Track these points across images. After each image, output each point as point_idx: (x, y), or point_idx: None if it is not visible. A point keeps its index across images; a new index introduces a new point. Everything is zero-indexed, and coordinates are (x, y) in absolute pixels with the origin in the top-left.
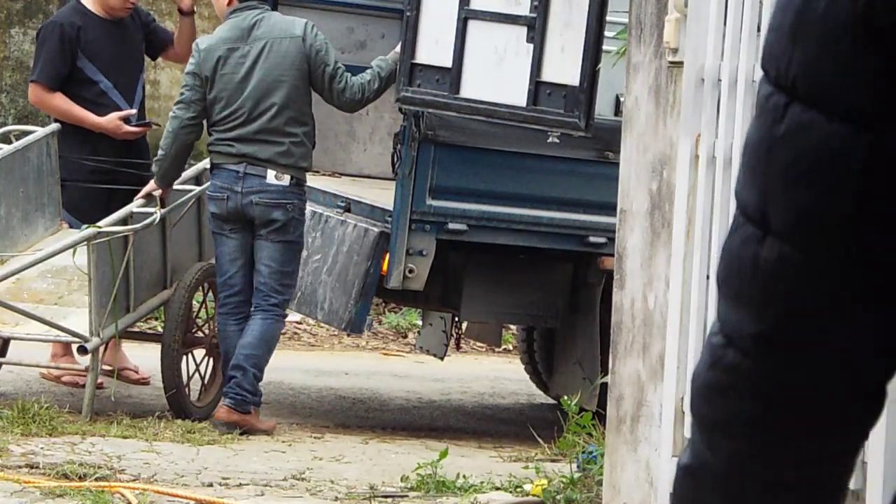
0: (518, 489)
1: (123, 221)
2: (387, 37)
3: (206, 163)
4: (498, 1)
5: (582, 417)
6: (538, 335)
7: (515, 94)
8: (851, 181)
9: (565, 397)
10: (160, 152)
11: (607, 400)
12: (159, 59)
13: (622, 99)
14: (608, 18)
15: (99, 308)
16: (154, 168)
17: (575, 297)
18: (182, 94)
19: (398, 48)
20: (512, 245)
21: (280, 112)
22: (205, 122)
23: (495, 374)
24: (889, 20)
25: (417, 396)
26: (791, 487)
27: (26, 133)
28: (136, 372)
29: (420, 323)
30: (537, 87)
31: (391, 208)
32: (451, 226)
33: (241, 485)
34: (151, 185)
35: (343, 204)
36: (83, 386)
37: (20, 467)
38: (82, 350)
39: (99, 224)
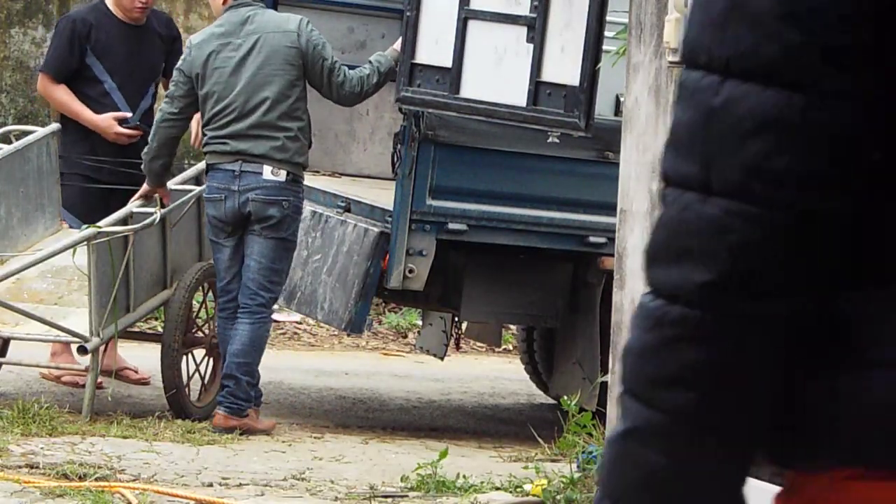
0: (518, 489)
1: (123, 221)
2: (387, 37)
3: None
4: (498, 1)
5: (582, 417)
6: (538, 335)
7: (515, 94)
8: (790, 137)
9: (565, 397)
10: (146, 148)
11: (607, 400)
12: None
13: (622, 99)
14: (608, 18)
15: (99, 308)
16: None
17: (575, 297)
18: (169, 89)
19: (397, 45)
20: (512, 245)
21: (273, 107)
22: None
23: (495, 374)
24: (807, 5)
25: (417, 396)
26: (734, 433)
27: (26, 133)
28: (136, 372)
29: (420, 323)
30: (537, 88)
31: (391, 208)
32: (451, 226)
33: (241, 485)
34: (145, 186)
35: (343, 204)
36: (83, 386)
37: (20, 467)
38: (82, 350)
39: (99, 224)
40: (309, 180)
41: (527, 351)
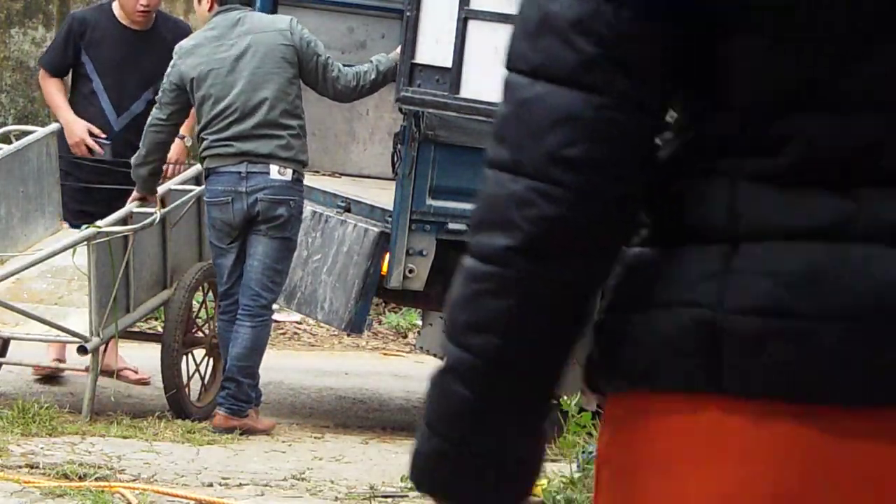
0: None
1: (123, 221)
2: (387, 37)
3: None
4: (498, 1)
5: (582, 417)
6: None
7: None
8: (584, 130)
9: (565, 397)
10: (136, 154)
11: None
12: None
13: None
14: None
15: (99, 308)
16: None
17: None
18: (158, 95)
19: (399, 49)
20: None
21: (275, 105)
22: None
23: None
24: (599, 21)
25: (417, 396)
26: (530, 371)
27: (26, 133)
28: (136, 372)
29: (420, 323)
30: None
31: (391, 208)
32: (451, 226)
33: (241, 485)
34: (135, 193)
35: (343, 204)
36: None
37: (20, 467)
38: (82, 350)
39: (99, 224)
40: (309, 180)
41: None
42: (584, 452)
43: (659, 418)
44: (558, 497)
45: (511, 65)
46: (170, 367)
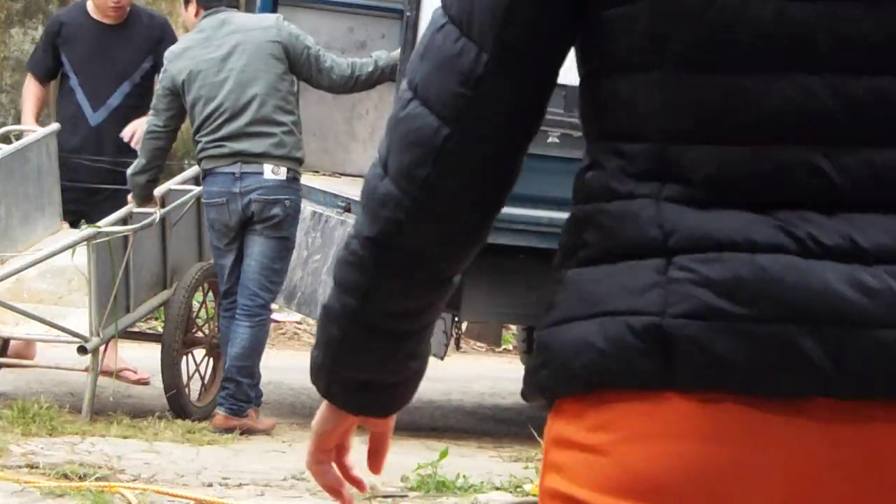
0: (518, 489)
1: (123, 221)
2: (387, 37)
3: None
4: None
5: None
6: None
7: None
8: (431, 155)
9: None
10: (135, 162)
11: None
12: None
13: None
14: None
15: (99, 308)
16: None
17: None
18: (153, 102)
19: (399, 50)
20: (512, 245)
21: (264, 102)
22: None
23: (495, 374)
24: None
25: (417, 396)
26: (381, 326)
27: (26, 133)
28: (136, 372)
29: None
30: None
31: None
32: None
33: (241, 485)
34: (132, 200)
35: (343, 204)
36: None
37: (20, 467)
38: (82, 350)
39: (99, 224)
40: (309, 180)
41: (527, 351)
42: None
43: (615, 415)
44: None
45: (408, 68)
46: (170, 367)
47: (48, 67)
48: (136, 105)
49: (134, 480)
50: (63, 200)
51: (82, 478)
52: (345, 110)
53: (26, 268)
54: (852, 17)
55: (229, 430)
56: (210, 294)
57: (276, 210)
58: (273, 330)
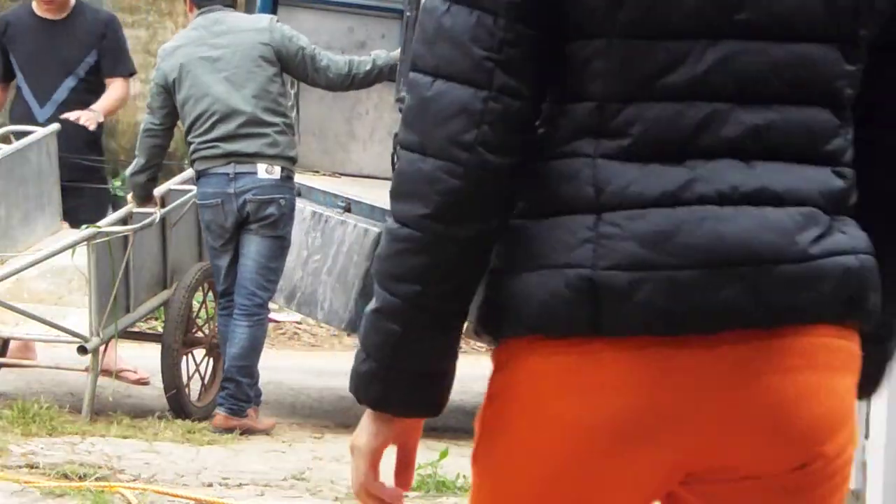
0: None
1: (123, 221)
2: (387, 37)
3: None
4: None
5: None
6: None
7: None
8: (475, 118)
9: None
10: (134, 162)
11: None
12: None
13: None
14: None
15: (99, 308)
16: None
17: None
18: (148, 100)
19: (399, 50)
20: None
21: (256, 104)
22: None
23: None
24: (482, 32)
25: None
26: (443, 312)
27: (26, 133)
28: (135, 372)
29: None
30: None
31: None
32: None
33: (241, 485)
34: (132, 200)
35: (343, 204)
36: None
37: (20, 467)
38: (82, 350)
39: (99, 224)
40: (309, 180)
41: None
42: None
43: (548, 359)
44: None
45: (415, 66)
46: (170, 367)
47: (2, 69)
48: (84, 100)
49: (134, 480)
50: None
51: (82, 478)
52: (345, 110)
53: (26, 268)
54: None
55: (229, 430)
56: (210, 294)
57: (272, 209)
58: (273, 330)
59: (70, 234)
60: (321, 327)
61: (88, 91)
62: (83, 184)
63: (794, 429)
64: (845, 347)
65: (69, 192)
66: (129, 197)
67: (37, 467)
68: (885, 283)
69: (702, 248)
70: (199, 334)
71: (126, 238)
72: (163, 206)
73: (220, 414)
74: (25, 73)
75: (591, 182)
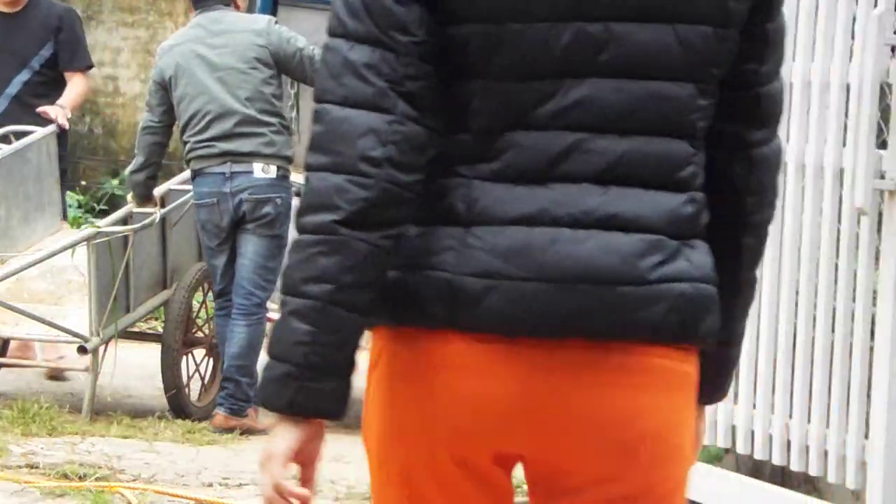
0: (518, 489)
1: (123, 221)
2: None
3: None
4: None
5: None
6: None
7: None
8: (381, 137)
9: None
10: (133, 161)
11: None
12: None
13: None
14: None
15: (99, 308)
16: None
17: None
18: (146, 99)
19: None
20: None
21: (250, 105)
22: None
23: None
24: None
25: None
26: (353, 306)
27: (26, 133)
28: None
29: None
30: None
31: None
32: None
33: (241, 485)
34: (132, 199)
35: None
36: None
37: (20, 467)
38: (82, 350)
39: (98, 224)
40: None
41: None
42: None
43: (414, 345)
44: None
45: (322, 98)
46: (170, 367)
47: None
48: (42, 93)
49: (134, 480)
50: None
51: (82, 478)
52: None
53: (26, 268)
54: (631, 33)
55: (229, 429)
56: (210, 294)
57: (268, 209)
58: (272, 330)
59: (70, 234)
60: None
61: (44, 84)
62: None
63: (618, 440)
64: (678, 369)
65: None
66: (129, 197)
67: (37, 467)
68: (723, 289)
69: (548, 265)
70: (199, 334)
71: (126, 238)
72: (163, 206)
73: (220, 414)
74: None
75: (464, 199)
